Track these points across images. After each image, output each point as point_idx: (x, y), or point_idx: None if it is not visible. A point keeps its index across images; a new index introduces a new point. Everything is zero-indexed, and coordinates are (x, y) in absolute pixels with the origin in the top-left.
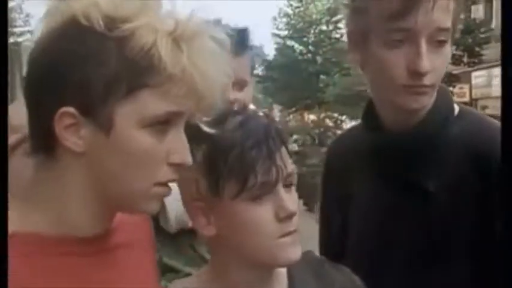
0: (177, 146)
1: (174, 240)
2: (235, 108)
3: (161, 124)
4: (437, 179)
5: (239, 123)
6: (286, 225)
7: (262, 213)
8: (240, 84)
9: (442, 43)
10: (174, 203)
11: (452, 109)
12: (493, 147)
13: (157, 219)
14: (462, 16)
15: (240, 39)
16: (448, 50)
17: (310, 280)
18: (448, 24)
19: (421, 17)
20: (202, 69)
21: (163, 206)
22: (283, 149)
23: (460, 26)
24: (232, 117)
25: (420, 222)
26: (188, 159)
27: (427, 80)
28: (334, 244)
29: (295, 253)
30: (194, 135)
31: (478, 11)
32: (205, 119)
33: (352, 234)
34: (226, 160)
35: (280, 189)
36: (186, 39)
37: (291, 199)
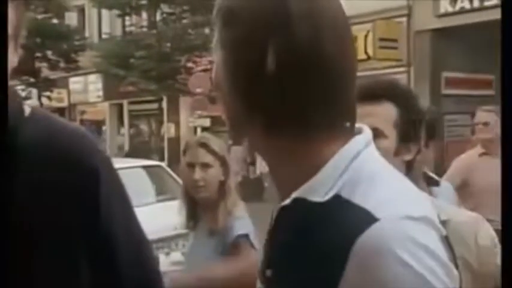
0: None
1: None
2: None
3: None
4: (15, 177)
5: None
6: None
7: None
8: None
9: None
10: None
11: (22, 110)
12: (64, 146)
13: None
14: (25, 20)
15: None
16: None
17: None
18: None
19: None
20: None
21: None
22: None
23: (24, 32)
24: None
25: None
26: None
27: None
28: None
29: None
30: None
31: (72, 19)
32: None
33: None
34: None
35: None
36: None
37: None
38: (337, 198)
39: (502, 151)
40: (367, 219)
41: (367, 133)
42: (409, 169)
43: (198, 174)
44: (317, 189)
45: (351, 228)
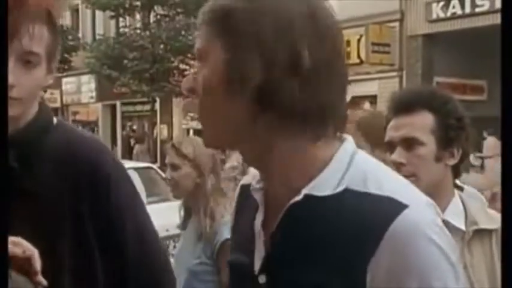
0: None
1: None
2: None
3: None
4: (37, 179)
5: None
6: None
7: None
8: None
9: (30, 64)
10: None
11: (51, 120)
12: (82, 154)
13: None
14: (59, 46)
15: None
16: (39, 72)
17: None
18: (38, 49)
19: (16, 40)
20: None
21: None
22: None
23: (57, 55)
24: None
25: (31, 220)
26: None
27: (12, 93)
28: None
29: None
30: None
31: (65, 19)
32: None
33: None
34: None
35: None
36: None
37: None
38: (348, 191)
39: (502, 151)
40: (395, 205)
41: (350, 138)
42: (456, 174)
43: (168, 173)
44: (327, 185)
45: (382, 214)
